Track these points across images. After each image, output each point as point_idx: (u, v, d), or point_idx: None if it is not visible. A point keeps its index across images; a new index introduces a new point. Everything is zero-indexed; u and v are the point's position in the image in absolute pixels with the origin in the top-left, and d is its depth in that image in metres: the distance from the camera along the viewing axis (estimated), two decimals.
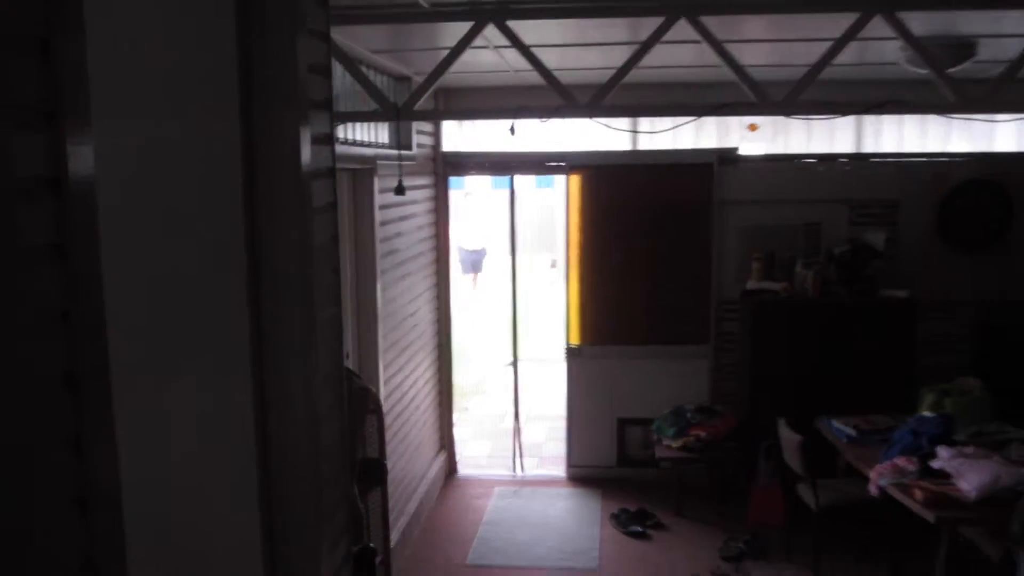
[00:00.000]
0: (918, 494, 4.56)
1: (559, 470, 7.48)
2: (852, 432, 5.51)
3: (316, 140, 2.35)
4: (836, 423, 5.69)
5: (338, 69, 4.69)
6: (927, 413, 5.40)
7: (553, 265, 16.24)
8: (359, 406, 3.26)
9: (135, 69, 2.05)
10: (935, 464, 4.74)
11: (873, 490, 4.85)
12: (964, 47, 5.23)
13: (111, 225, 1.43)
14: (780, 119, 7.51)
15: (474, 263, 15.53)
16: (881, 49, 5.31)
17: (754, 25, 4.87)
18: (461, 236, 14.65)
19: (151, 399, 1.78)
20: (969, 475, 4.49)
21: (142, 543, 1.39)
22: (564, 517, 6.64)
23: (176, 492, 1.79)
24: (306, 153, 2.23)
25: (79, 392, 1.18)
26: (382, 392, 5.34)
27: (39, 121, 1.21)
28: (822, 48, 4.64)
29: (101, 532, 1.19)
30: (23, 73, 1.18)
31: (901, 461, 4.84)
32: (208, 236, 2.00)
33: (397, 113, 4.72)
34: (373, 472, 3.47)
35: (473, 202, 15.81)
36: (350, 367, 4.88)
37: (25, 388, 1.07)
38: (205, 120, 2.11)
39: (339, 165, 3.14)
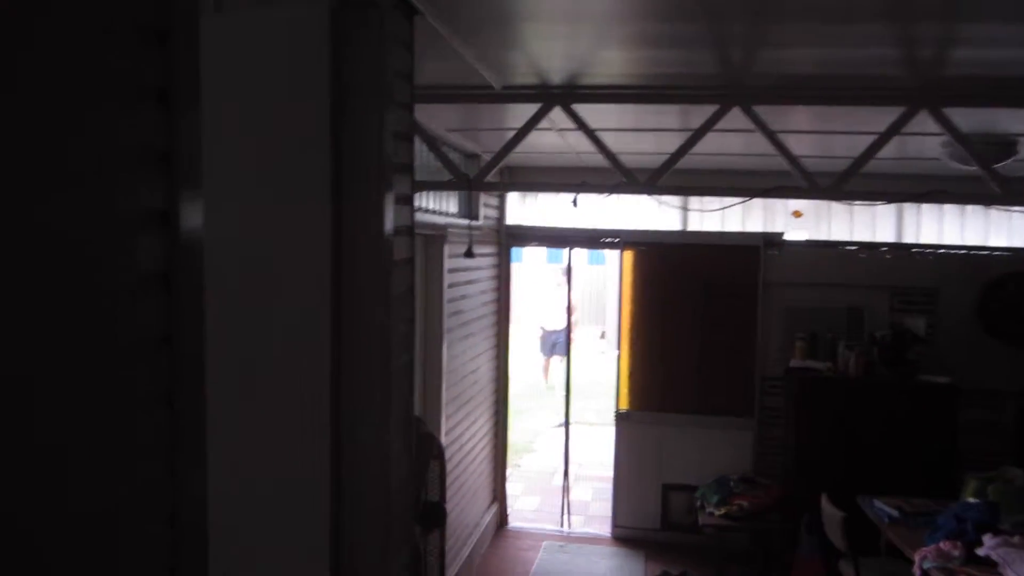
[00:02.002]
0: None
1: (604, 529, 7.28)
2: (895, 513, 5.26)
3: (398, 200, 2.37)
4: (878, 503, 5.44)
5: (417, 144, 4.77)
6: (971, 499, 5.14)
7: (602, 336, 16.14)
8: (424, 451, 3.21)
9: (240, 131, 2.09)
10: (981, 551, 4.46)
11: (917, 573, 4.59)
12: (1005, 145, 5.12)
13: (214, 269, 1.43)
14: (823, 208, 7.45)
15: (554, 345, 12.74)
16: (922, 144, 5.24)
17: (801, 117, 4.86)
18: (543, 315, 12.78)
19: (237, 432, 1.76)
20: (1017, 565, 4.21)
21: (220, 566, 1.35)
22: (608, 575, 6.42)
23: (254, 516, 1.76)
24: (389, 211, 2.24)
25: (176, 412, 1.16)
26: (443, 441, 5.28)
27: (157, 166, 1.22)
28: (864, 140, 4.60)
29: (188, 548, 1.16)
30: (142, 119, 1.19)
31: (946, 545, 4.57)
32: (298, 283, 2.01)
33: (469, 183, 4.77)
34: (434, 515, 3.39)
35: (560, 279, 12.74)
36: (417, 415, 4.84)
37: (127, 404, 1.05)
38: (299, 178, 2.14)
39: (415, 230, 3.15)
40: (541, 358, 13.13)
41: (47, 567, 0.99)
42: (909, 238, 7.42)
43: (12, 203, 0.98)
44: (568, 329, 10.22)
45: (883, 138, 4.49)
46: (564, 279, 12.36)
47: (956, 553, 4.51)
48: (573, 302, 12.43)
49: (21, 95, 0.96)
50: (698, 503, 6.60)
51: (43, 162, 1.00)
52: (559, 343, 12.47)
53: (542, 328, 12.86)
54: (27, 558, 0.97)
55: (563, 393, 7.78)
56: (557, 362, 12.76)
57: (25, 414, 0.98)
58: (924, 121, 4.36)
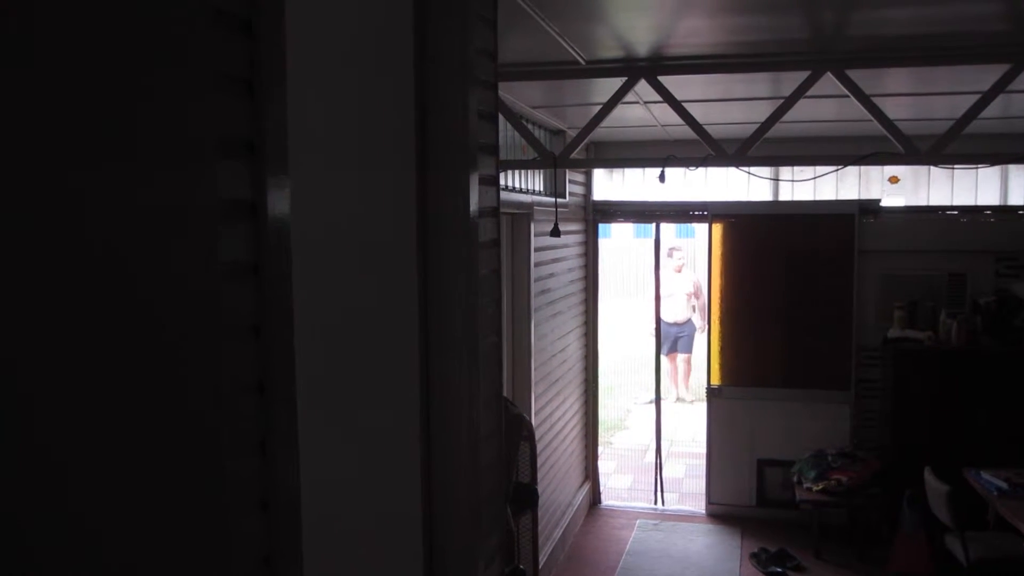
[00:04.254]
0: None
1: (699, 506, 7.17)
2: (1004, 485, 5.01)
3: (483, 181, 2.33)
4: (985, 475, 5.19)
5: (501, 122, 4.74)
6: None
7: (693, 310, 15.83)
8: (513, 432, 3.20)
9: (325, 113, 2.09)
10: None
11: None
12: None
13: (299, 253, 1.42)
14: (921, 172, 7.09)
15: (676, 340, 10.59)
16: None
17: (897, 79, 4.62)
18: (664, 307, 9.29)
19: (325, 413, 1.78)
20: None
21: (310, 547, 1.35)
22: (704, 553, 6.33)
23: (342, 500, 1.77)
24: (474, 192, 2.21)
25: (266, 399, 1.16)
26: (533, 422, 5.27)
27: (243, 151, 1.21)
28: (964, 100, 4.33)
29: (280, 533, 1.16)
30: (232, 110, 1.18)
31: None
32: (383, 264, 2.00)
33: (554, 161, 4.71)
34: (525, 496, 3.38)
35: (678, 260, 10.62)
36: (506, 396, 4.85)
37: (219, 393, 1.05)
38: (384, 162, 2.12)
39: (501, 209, 3.12)
40: (666, 357, 10.42)
41: (141, 555, 1.00)
42: (1015, 200, 7.00)
43: (100, 196, 0.98)
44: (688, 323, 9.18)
45: (987, 97, 4.24)
46: (682, 258, 10.63)
47: None
48: (696, 286, 10.61)
49: (101, 88, 0.96)
50: (795, 478, 6.43)
51: (127, 156, 1.00)
52: (682, 337, 10.66)
53: (662, 321, 10.07)
54: (121, 547, 0.99)
55: (653, 367, 7.65)
56: (680, 360, 10.86)
57: (116, 402, 0.99)
58: None
